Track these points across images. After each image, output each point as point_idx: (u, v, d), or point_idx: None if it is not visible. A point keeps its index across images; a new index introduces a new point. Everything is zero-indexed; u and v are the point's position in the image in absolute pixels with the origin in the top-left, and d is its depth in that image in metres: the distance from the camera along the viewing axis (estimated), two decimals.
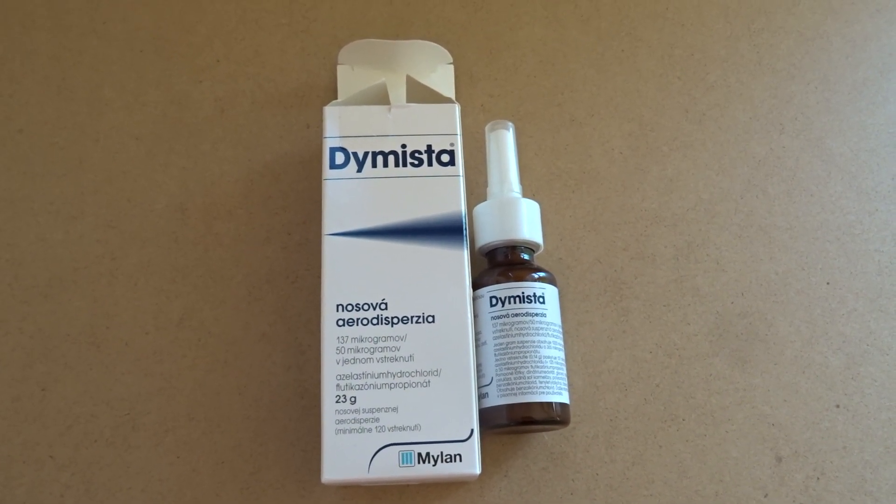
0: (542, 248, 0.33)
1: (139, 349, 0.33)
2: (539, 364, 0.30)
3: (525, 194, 0.34)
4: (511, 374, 0.29)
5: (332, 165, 0.31)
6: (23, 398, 0.32)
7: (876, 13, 0.41)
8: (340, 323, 0.29)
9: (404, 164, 0.31)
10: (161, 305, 0.34)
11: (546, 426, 0.30)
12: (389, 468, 0.27)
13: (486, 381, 0.30)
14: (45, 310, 0.34)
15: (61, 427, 0.32)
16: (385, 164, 0.31)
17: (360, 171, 0.31)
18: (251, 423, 0.32)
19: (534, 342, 0.30)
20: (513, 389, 0.29)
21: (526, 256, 0.32)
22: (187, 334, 0.33)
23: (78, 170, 0.36)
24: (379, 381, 0.28)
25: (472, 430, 0.28)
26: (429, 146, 0.32)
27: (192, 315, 0.34)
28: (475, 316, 0.31)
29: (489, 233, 0.32)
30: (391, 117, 0.32)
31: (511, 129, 0.34)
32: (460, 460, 0.28)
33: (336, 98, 0.36)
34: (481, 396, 0.30)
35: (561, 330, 0.31)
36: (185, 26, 0.39)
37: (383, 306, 0.29)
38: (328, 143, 0.32)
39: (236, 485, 0.31)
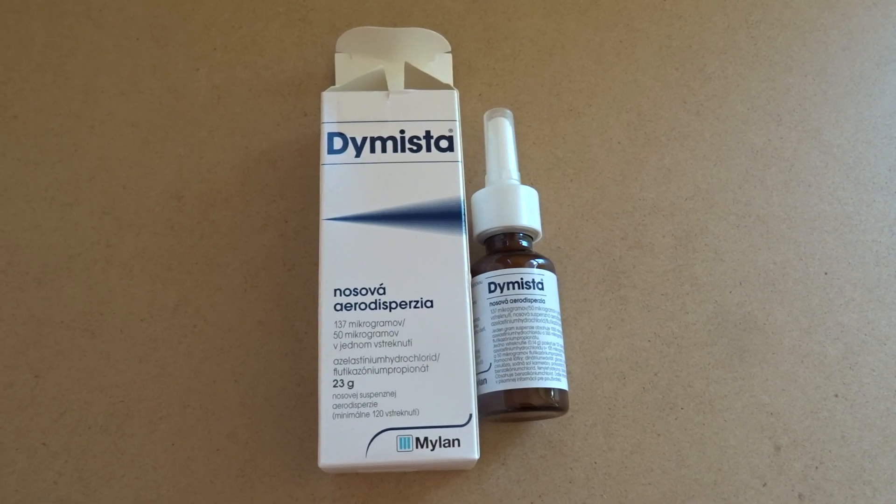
0: (540, 236, 0.33)
1: (134, 336, 0.33)
2: (538, 350, 0.29)
3: (523, 183, 0.33)
4: (509, 359, 0.29)
5: (331, 150, 0.31)
6: (16, 385, 0.32)
7: (873, 6, 0.41)
8: (338, 307, 0.29)
9: (403, 150, 0.31)
10: (156, 292, 0.34)
11: (544, 413, 0.30)
12: (387, 453, 0.27)
13: (484, 367, 0.30)
14: (39, 296, 0.33)
15: (55, 414, 0.32)
16: (383, 150, 0.31)
17: (358, 156, 0.31)
18: (247, 411, 0.32)
19: (532, 328, 0.30)
20: (511, 375, 0.29)
21: (525, 243, 0.32)
22: (183, 321, 0.33)
23: (73, 157, 0.36)
24: (377, 366, 0.28)
25: (471, 415, 0.28)
26: (427, 132, 0.32)
27: (188, 302, 0.33)
28: (473, 302, 0.30)
29: (487, 219, 0.32)
30: (389, 103, 0.32)
31: (509, 117, 0.34)
32: (458, 445, 0.27)
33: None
34: (479, 383, 0.30)
35: (559, 317, 0.31)
36: (181, 14, 0.39)
37: (381, 291, 0.29)
38: (326, 129, 0.31)
39: (231, 472, 0.31)
